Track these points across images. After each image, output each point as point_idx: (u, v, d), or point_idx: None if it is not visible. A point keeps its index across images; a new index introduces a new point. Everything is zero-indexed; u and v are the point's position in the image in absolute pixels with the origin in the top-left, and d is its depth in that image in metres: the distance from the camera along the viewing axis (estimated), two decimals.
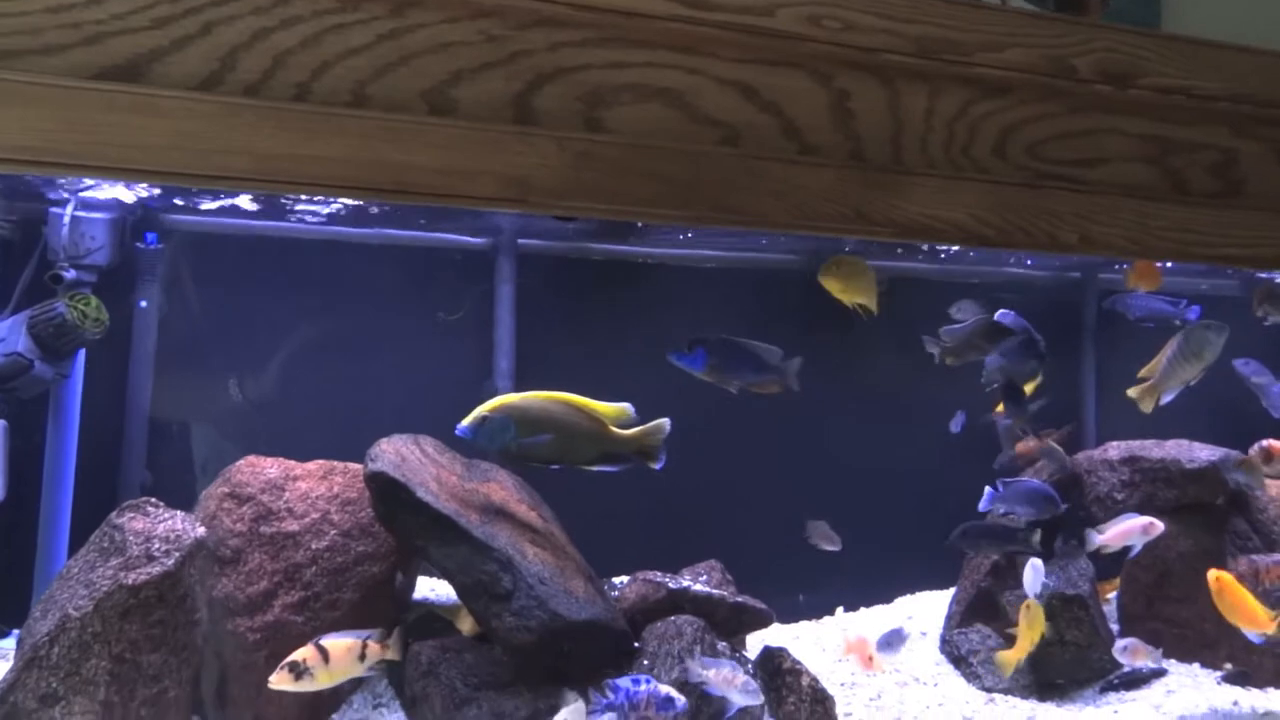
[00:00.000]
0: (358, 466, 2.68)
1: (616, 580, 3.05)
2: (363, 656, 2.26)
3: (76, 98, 1.30)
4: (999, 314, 3.03)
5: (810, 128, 1.71)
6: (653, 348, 3.38)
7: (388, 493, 2.47)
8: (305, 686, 2.18)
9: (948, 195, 1.82)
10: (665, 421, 2.55)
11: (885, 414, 3.57)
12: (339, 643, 2.23)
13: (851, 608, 3.64)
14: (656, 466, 2.55)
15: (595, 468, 2.54)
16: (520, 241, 3.34)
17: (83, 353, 2.91)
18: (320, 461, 2.71)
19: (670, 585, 2.75)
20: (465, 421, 2.46)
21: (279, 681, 2.16)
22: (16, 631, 2.77)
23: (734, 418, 3.22)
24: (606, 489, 3.28)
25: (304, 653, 2.19)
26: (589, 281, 3.48)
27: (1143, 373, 3.12)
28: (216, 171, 1.41)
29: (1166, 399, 3.09)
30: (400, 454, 2.58)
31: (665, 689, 2.19)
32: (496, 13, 1.46)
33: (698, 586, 2.79)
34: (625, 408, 2.53)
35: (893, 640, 2.85)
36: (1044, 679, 2.97)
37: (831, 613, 3.60)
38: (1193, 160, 1.94)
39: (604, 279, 3.49)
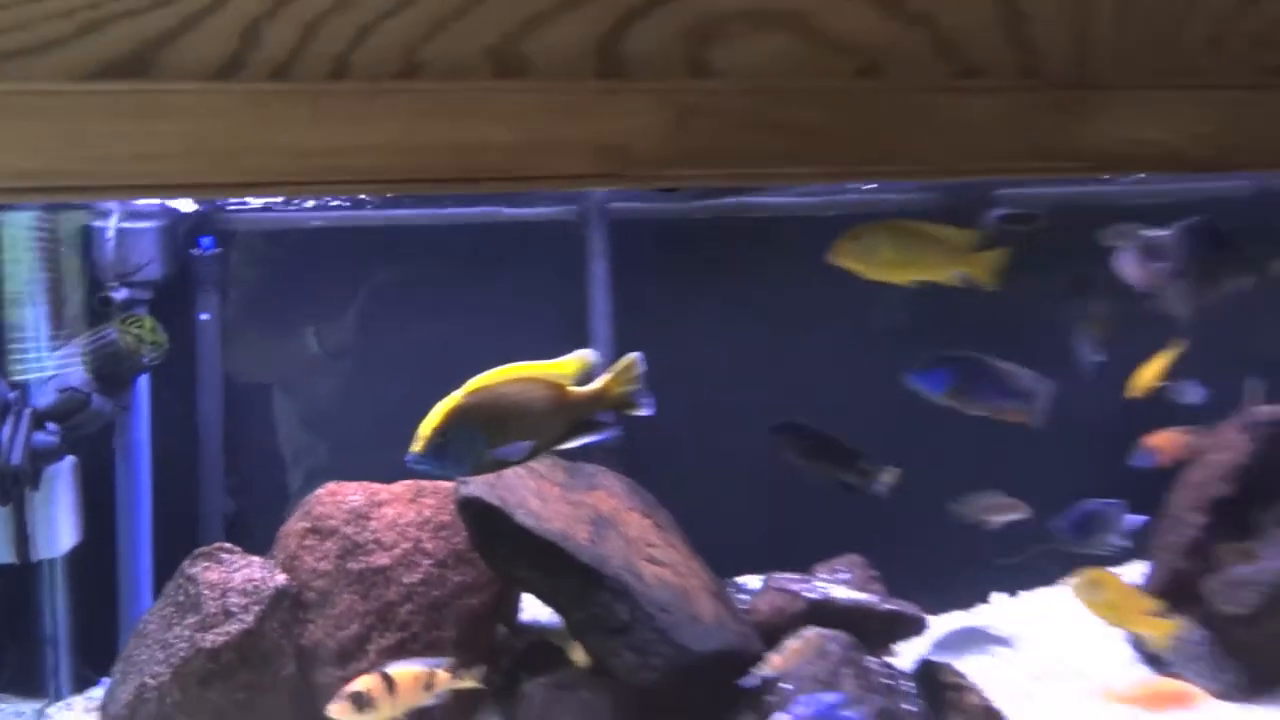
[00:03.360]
0: (450, 485, 2.41)
1: (742, 581, 2.72)
2: (430, 685, 2.06)
3: (76, 105, 1.03)
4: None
5: (972, 42, 1.33)
6: (780, 319, 3.01)
7: (483, 521, 2.18)
8: (369, 718, 1.98)
9: (1151, 110, 1.43)
10: (635, 357, 1.83)
11: (1043, 368, 3.10)
12: (405, 671, 2.05)
13: (1010, 592, 3.22)
14: (646, 414, 1.81)
15: (571, 443, 1.81)
16: (613, 206, 2.99)
17: (146, 378, 2.69)
18: (408, 482, 2.44)
19: (810, 595, 2.42)
20: (416, 446, 1.68)
21: (340, 712, 1.97)
22: (107, 680, 2.60)
23: (870, 379, 2.82)
24: (719, 472, 2.95)
25: (367, 682, 1.99)
26: (696, 246, 3.10)
27: None
28: (244, 178, 1.10)
29: None
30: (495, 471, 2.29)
31: None
32: None
33: (841, 592, 2.45)
34: (584, 357, 1.81)
35: None
36: (1260, 675, 2.55)
37: (986, 599, 3.20)
38: None
39: (712, 240, 3.10)
